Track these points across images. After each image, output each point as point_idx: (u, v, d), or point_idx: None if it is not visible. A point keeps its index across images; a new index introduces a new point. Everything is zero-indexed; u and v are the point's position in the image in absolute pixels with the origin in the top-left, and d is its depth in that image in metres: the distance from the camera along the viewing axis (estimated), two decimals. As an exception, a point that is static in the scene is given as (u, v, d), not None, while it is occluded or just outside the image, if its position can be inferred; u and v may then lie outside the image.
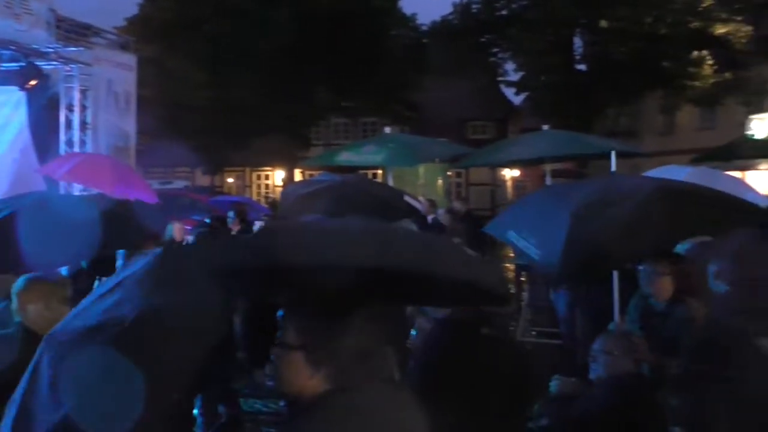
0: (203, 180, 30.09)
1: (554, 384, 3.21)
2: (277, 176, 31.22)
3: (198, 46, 19.53)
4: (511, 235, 3.64)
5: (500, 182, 34.71)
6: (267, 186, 32.94)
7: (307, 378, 1.62)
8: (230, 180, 33.20)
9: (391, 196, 6.47)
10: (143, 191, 5.46)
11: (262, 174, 33.46)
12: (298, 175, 26.28)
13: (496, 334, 2.83)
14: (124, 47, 9.78)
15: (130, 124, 8.39)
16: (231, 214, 8.26)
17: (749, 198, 4.56)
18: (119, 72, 8.51)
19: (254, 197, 30.49)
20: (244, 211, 8.81)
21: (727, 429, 2.48)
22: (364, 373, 1.64)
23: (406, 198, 6.29)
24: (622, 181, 3.79)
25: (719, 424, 2.56)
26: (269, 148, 23.06)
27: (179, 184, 24.63)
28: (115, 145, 8.01)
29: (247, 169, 33.13)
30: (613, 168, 4.72)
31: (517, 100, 29.50)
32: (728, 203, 3.52)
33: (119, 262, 4.43)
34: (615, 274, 3.90)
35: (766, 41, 21.95)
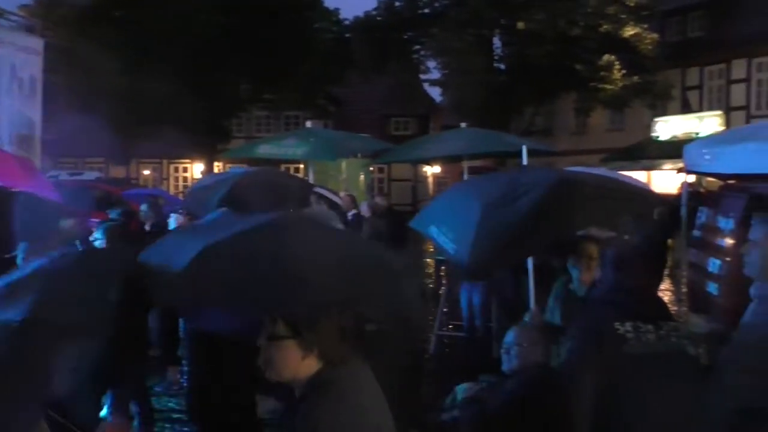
0: (118, 171, 28.99)
1: (461, 390, 3.26)
2: (195, 169, 30.47)
3: (110, 32, 18.74)
4: (433, 230, 3.66)
5: (422, 178, 35.17)
6: (185, 179, 32.08)
7: (300, 361, 1.88)
8: (146, 172, 32.11)
9: (298, 187, 6.51)
10: (34, 184, 5.12)
11: (180, 166, 32.57)
12: (217, 168, 25.73)
13: (382, 330, 2.84)
14: (29, 30, 9.27)
15: (35, 111, 7.94)
16: (144, 207, 8.00)
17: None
18: (24, 56, 8.05)
19: (171, 190, 29.61)
20: (159, 204, 8.55)
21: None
22: (346, 349, 1.92)
23: (324, 192, 6.29)
24: (527, 174, 3.85)
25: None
26: (187, 139, 22.43)
27: (91, 175, 23.57)
28: (19, 132, 7.57)
29: (164, 161, 32.16)
30: (525, 162, 4.83)
31: (440, 97, 29.97)
32: (625, 192, 3.60)
33: (20, 257, 4.22)
34: (530, 264, 3.98)
35: (671, 48, 23.26)
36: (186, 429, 5.54)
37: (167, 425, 5.73)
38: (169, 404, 6.10)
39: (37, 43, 8.62)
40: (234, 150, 18.68)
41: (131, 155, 23.73)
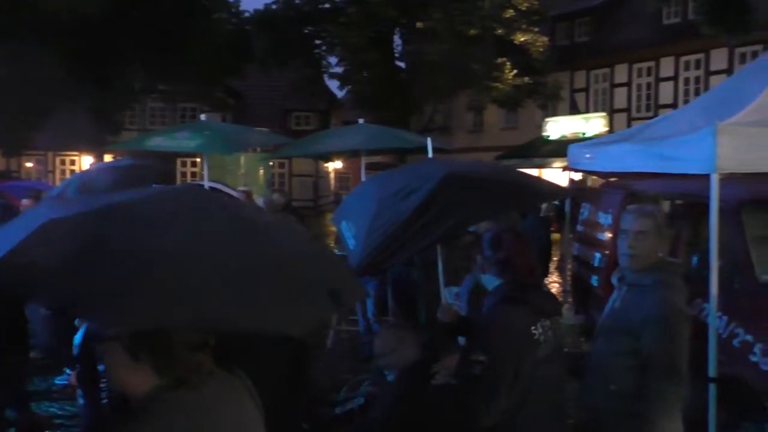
0: (-1, 163, 27.08)
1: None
2: (84, 161, 28.94)
3: None
4: (343, 225, 3.63)
5: (323, 174, 35.12)
6: (73, 172, 30.40)
7: (127, 371, 1.53)
8: (30, 164, 30.17)
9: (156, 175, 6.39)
10: None
11: (67, 159, 30.85)
12: (108, 161, 24.54)
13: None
14: None
15: None
16: (26, 201, 7.51)
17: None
18: None
19: (57, 184, 27.98)
20: (41, 198, 8.05)
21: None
22: (193, 366, 1.55)
23: (219, 186, 6.16)
24: (422, 168, 3.86)
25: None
26: (76, 131, 21.19)
27: (-35, 167, 21.89)
28: None
29: (50, 153, 30.33)
30: (430, 155, 4.83)
31: (341, 92, 30.00)
32: (515, 186, 3.62)
33: None
34: (440, 258, 4.00)
35: (560, 51, 24.43)
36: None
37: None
38: (51, 409, 5.79)
39: None
40: (124, 142, 17.86)
41: (14, 147, 22.14)
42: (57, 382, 6.07)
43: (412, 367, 2.91)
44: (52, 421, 5.55)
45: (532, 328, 2.57)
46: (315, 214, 29.61)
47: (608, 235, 6.62)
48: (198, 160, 20.68)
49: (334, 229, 14.55)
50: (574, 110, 24.87)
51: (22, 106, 18.64)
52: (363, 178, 8.24)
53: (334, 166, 34.38)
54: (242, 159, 15.58)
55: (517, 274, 2.70)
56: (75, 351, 3.58)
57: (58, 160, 31.17)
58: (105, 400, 3.25)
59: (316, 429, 4.21)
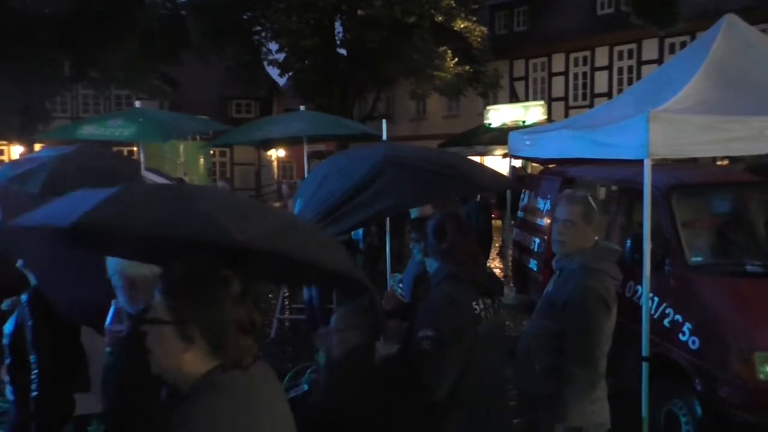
0: None
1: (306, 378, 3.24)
2: (14, 151, 27.69)
3: None
4: (298, 204, 3.68)
5: (266, 162, 34.65)
6: (1, 162, 29.07)
7: (180, 354, 1.56)
8: (-47, 154, 28.71)
9: (121, 166, 6.19)
10: None
11: (-5, 148, 29.49)
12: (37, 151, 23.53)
13: None
14: None
15: None
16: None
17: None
18: None
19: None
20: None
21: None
22: (242, 348, 1.60)
23: (153, 176, 6.00)
24: (364, 150, 3.92)
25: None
26: (2, 120, 20.21)
27: None
28: None
29: (-25, 143, 28.92)
30: (384, 136, 4.78)
31: (282, 80, 29.60)
32: (459, 174, 3.67)
33: None
34: (388, 243, 3.97)
35: (499, 40, 24.74)
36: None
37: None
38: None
39: None
40: (54, 131, 17.15)
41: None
42: None
43: (354, 350, 2.89)
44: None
45: (473, 303, 2.61)
46: (257, 204, 29.20)
47: (546, 220, 6.78)
48: (135, 148, 20.05)
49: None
50: (513, 98, 25.27)
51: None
52: (305, 166, 8.17)
53: (277, 154, 33.98)
54: (181, 147, 15.19)
55: (458, 258, 2.73)
56: (5, 340, 3.43)
57: (-16, 149, 29.75)
58: (34, 393, 3.11)
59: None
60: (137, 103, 8.54)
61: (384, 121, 4.69)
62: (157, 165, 11.34)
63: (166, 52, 22.24)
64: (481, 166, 4.47)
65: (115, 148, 26.58)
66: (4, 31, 17.64)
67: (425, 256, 2.91)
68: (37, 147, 19.70)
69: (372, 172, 3.28)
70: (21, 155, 24.41)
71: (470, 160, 4.30)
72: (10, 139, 24.52)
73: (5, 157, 28.50)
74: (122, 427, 2.27)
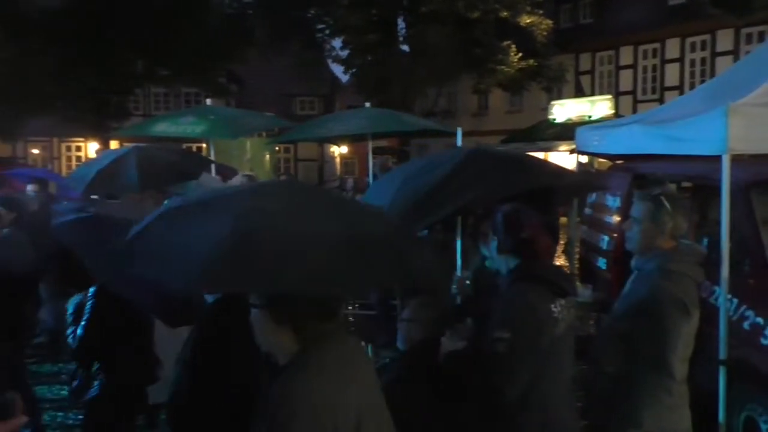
0: (3, 150, 27.08)
1: None
2: (90, 148, 28.96)
3: None
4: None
5: (328, 158, 35.07)
6: (79, 158, 30.41)
7: (274, 333, 1.83)
8: (35, 151, 30.20)
9: (181, 161, 6.44)
10: None
11: (73, 145, 30.85)
12: (114, 147, 24.50)
13: None
14: None
15: None
16: (30, 187, 7.52)
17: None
18: None
19: (64, 171, 28.00)
20: (46, 185, 8.05)
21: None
22: (326, 326, 1.84)
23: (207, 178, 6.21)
24: (447, 152, 3.95)
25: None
26: (80, 116, 21.17)
27: (-30, 154, 21.95)
28: None
29: (55, 140, 30.35)
30: (459, 143, 4.76)
31: (345, 76, 29.87)
32: (538, 169, 3.63)
33: None
34: (459, 233, 3.93)
35: (564, 33, 24.24)
36: (78, 417, 5.32)
37: (59, 414, 5.50)
38: (62, 392, 5.85)
39: None
40: (129, 128, 17.85)
41: (17, 133, 22.13)
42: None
43: (420, 342, 2.90)
44: (62, 404, 5.61)
45: (552, 305, 2.56)
46: (320, 199, 29.58)
47: (616, 218, 6.60)
48: (204, 145, 20.61)
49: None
50: (579, 93, 24.71)
51: (19, 91, 18.60)
52: (370, 162, 8.22)
53: (340, 150, 34.31)
54: (248, 144, 15.55)
55: (536, 253, 2.66)
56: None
57: (63, 146, 31.18)
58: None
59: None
60: (208, 101, 8.78)
61: (459, 129, 4.68)
62: (225, 161, 11.63)
63: (231, 51, 22.80)
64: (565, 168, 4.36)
65: (185, 145, 27.52)
66: (81, 31, 18.45)
67: (498, 253, 2.77)
68: (113, 144, 20.57)
69: (460, 164, 3.30)
70: (97, 152, 25.52)
71: (557, 164, 4.26)
72: (87, 135, 25.65)
73: (82, 153, 29.85)
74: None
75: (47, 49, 18.07)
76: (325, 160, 34.03)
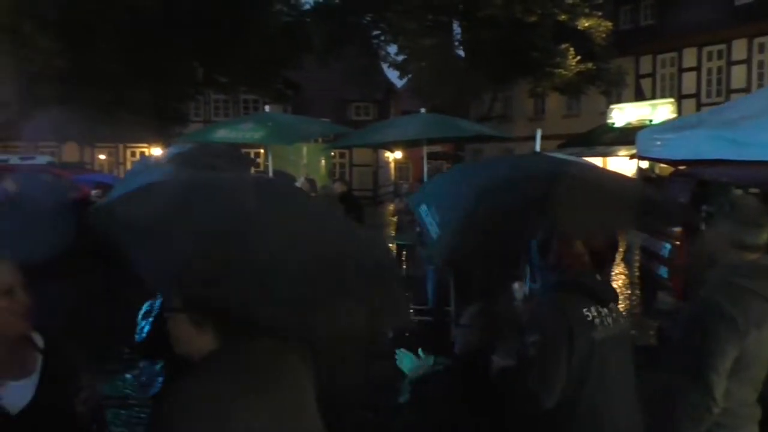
0: (72, 155, 28.25)
1: (407, 367, 3.25)
2: (154, 153, 29.96)
3: (53, 9, 18.07)
4: (422, 209, 3.48)
5: (383, 164, 35.25)
6: (140, 164, 31.47)
7: (193, 337, 1.76)
8: (102, 156, 31.38)
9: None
10: None
11: (137, 150, 31.92)
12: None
13: None
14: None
15: (-18, 94, 7.63)
16: (94, 193, 7.84)
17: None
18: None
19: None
20: (109, 191, 8.34)
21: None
22: (245, 331, 1.76)
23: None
24: (528, 161, 3.71)
25: None
26: (143, 123, 21.94)
27: (42, 159, 22.93)
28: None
29: (120, 145, 31.47)
30: (537, 148, 4.60)
31: (400, 82, 29.98)
32: (639, 205, 3.34)
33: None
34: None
35: (623, 36, 23.69)
36: (140, 414, 5.50)
37: (122, 411, 5.67)
38: (125, 390, 6.04)
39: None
40: (190, 134, 18.35)
41: (85, 139, 23.09)
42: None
43: (473, 350, 2.90)
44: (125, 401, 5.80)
45: (584, 309, 2.55)
46: (374, 204, 29.77)
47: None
48: (261, 151, 20.98)
49: (394, 219, 14.57)
50: (639, 96, 24.09)
51: (89, 99, 19.38)
52: (425, 167, 8.23)
53: (394, 156, 34.44)
54: (304, 149, 15.80)
55: (565, 271, 2.68)
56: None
57: (128, 151, 32.30)
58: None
59: (380, 417, 4.25)
60: (266, 108, 8.96)
61: (539, 131, 4.52)
62: (282, 166, 11.83)
63: (289, 58, 23.22)
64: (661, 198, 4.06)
65: (243, 150, 28.05)
66: (144, 40, 19.10)
67: (536, 281, 2.84)
68: (175, 149, 21.18)
69: (546, 189, 3.02)
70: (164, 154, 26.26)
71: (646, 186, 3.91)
72: (150, 141, 26.52)
73: (146, 159, 30.81)
74: None
75: (113, 58, 18.76)
76: (379, 165, 34.20)
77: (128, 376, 6.09)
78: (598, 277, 2.76)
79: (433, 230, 3.23)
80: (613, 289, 2.90)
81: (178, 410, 1.66)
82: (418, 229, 8.86)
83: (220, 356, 1.74)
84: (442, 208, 3.30)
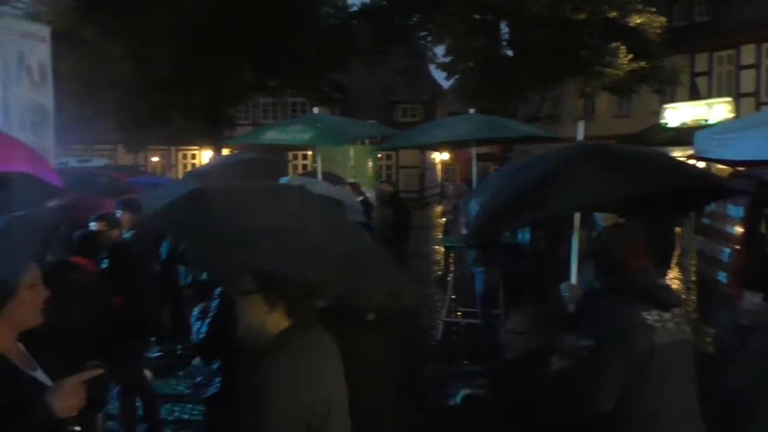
0: (126, 158, 29.05)
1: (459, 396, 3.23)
2: (204, 156, 30.57)
3: (111, 16, 18.66)
4: (473, 205, 3.49)
5: (429, 165, 35.14)
6: (194, 165, 32.13)
7: (266, 314, 1.98)
8: (155, 159, 32.18)
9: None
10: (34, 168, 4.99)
11: (188, 153, 32.63)
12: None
13: (383, 318, 2.80)
14: (34, 17, 9.19)
15: (47, 99, 7.89)
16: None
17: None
18: (31, 43, 8.00)
19: (181, 177, 29.67)
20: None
21: None
22: (310, 311, 2.03)
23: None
24: (563, 148, 3.58)
25: None
26: (194, 126, 22.45)
27: (99, 162, 23.68)
28: (32, 120, 7.57)
29: (172, 148, 32.21)
30: (580, 136, 4.45)
31: (446, 83, 29.86)
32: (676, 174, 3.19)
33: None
34: (575, 238, 3.80)
35: (677, 32, 23.04)
36: (194, 412, 5.60)
37: (176, 407, 5.79)
38: (179, 388, 6.17)
39: (43, 30, 8.59)
40: (240, 136, 18.66)
41: (140, 142, 23.74)
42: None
43: (527, 354, 2.86)
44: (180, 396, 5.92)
45: (644, 313, 2.51)
46: (420, 206, 29.71)
47: (738, 228, 6.20)
48: (309, 152, 21.16)
49: (441, 221, 14.48)
50: (695, 95, 23.38)
51: (145, 103, 19.92)
52: (474, 168, 8.17)
53: (441, 157, 34.29)
54: (351, 151, 15.87)
55: (624, 275, 2.64)
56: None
57: (180, 154, 33.04)
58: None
59: (429, 420, 4.23)
60: (315, 110, 9.03)
61: (581, 123, 4.45)
62: (329, 168, 11.91)
63: (335, 60, 23.40)
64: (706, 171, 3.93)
65: (290, 153, 28.42)
66: (197, 44, 19.49)
67: (596, 277, 2.79)
68: (224, 151, 21.59)
69: (566, 160, 3.03)
70: (210, 159, 26.82)
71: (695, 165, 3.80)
72: (200, 144, 27.08)
73: (197, 161, 31.51)
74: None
75: (168, 63, 19.23)
76: (426, 167, 34.11)
77: (182, 373, 6.21)
78: (659, 280, 2.69)
79: (474, 211, 3.24)
80: (676, 294, 2.82)
81: (265, 386, 1.86)
82: (464, 230, 8.81)
83: (293, 332, 1.98)
84: (484, 196, 3.33)
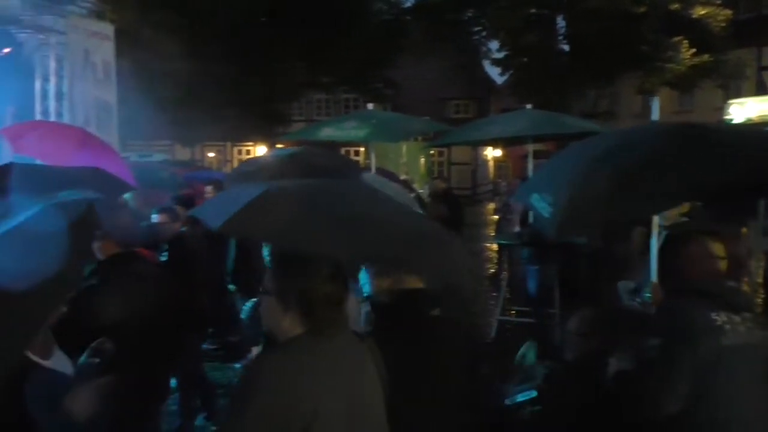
0: (183, 154, 29.75)
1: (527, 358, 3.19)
2: (258, 152, 31.06)
3: (171, 15, 19.13)
4: (534, 198, 3.12)
5: (482, 162, 34.86)
6: (247, 162, 32.69)
7: (280, 318, 1.93)
8: (211, 154, 32.85)
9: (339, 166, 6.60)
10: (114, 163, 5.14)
11: (243, 149, 33.20)
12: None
13: (446, 315, 2.72)
14: (99, 16, 9.49)
15: (110, 95, 8.16)
16: (208, 188, 8.23)
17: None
18: (96, 41, 8.27)
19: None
20: (221, 187, 8.72)
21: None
22: (331, 320, 1.94)
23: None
24: (641, 128, 3.25)
25: None
26: (249, 122, 22.84)
27: (158, 157, 24.32)
28: (97, 115, 7.84)
29: (228, 144, 32.82)
30: (655, 116, 4.13)
31: (500, 78, 29.50)
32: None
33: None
34: (655, 235, 3.53)
35: (743, 25, 22.16)
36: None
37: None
38: (236, 380, 6.25)
39: (107, 28, 8.87)
40: (294, 132, 18.84)
41: (197, 138, 24.30)
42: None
43: (586, 355, 2.83)
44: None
45: (713, 314, 2.45)
46: (472, 203, 29.49)
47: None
48: (362, 149, 21.22)
49: (494, 218, 14.34)
50: (761, 90, 22.47)
51: (202, 100, 20.35)
52: (530, 165, 8.03)
53: (493, 153, 33.95)
54: (404, 147, 15.87)
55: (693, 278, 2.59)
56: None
57: (235, 150, 33.65)
58: None
59: (486, 420, 4.16)
60: (369, 106, 9.03)
61: (656, 99, 4.21)
62: (382, 164, 11.93)
63: (388, 57, 23.40)
64: None
65: (343, 149, 28.68)
66: (253, 41, 19.81)
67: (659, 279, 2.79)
68: (278, 147, 21.90)
69: (664, 143, 2.61)
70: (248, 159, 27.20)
71: None
72: (255, 140, 27.53)
73: (252, 156, 32.06)
74: None
75: (225, 60, 19.61)
76: (478, 163, 33.83)
77: (237, 365, 6.30)
78: (731, 284, 2.61)
79: (546, 211, 2.96)
80: (748, 297, 2.72)
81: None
82: (517, 228, 8.67)
83: (301, 339, 1.90)
84: (552, 189, 2.93)
